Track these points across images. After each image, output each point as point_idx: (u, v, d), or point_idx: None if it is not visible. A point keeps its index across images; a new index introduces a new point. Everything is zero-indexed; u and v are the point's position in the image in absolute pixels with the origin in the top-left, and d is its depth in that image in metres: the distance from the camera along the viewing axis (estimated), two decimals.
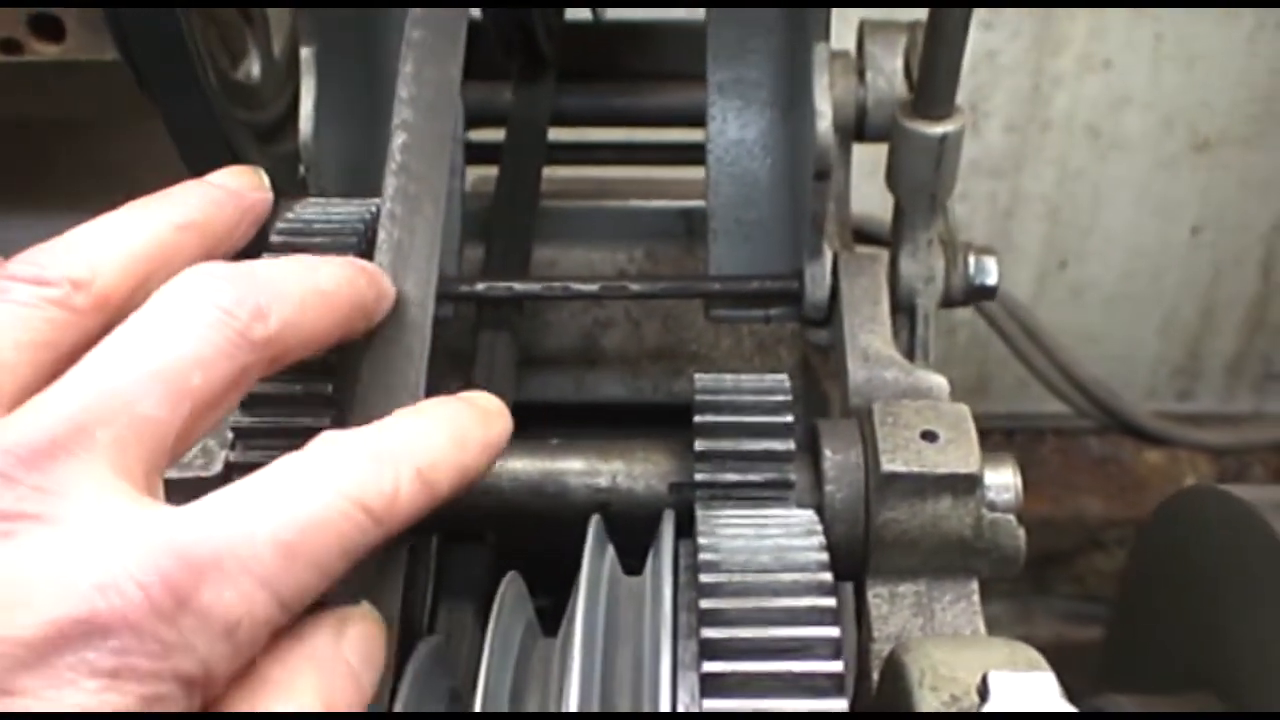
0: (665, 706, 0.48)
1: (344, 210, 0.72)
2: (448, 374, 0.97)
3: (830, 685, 0.49)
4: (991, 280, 0.95)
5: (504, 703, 0.52)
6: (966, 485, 0.73)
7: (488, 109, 1.12)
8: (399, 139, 0.69)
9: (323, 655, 0.49)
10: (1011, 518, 0.74)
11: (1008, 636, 0.61)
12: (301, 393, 0.65)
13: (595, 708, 0.50)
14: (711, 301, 0.94)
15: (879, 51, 1.14)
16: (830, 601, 0.51)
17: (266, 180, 0.64)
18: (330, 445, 0.51)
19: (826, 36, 0.86)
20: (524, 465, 0.76)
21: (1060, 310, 2.19)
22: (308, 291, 0.55)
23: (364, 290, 0.60)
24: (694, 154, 1.17)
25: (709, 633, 0.50)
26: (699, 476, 0.72)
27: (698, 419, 0.73)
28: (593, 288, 0.92)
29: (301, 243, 0.67)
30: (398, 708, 0.51)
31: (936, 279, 0.95)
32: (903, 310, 0.95)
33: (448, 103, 0.71)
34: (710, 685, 0.49)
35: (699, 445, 0.72)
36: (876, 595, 0.74)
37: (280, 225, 0.71)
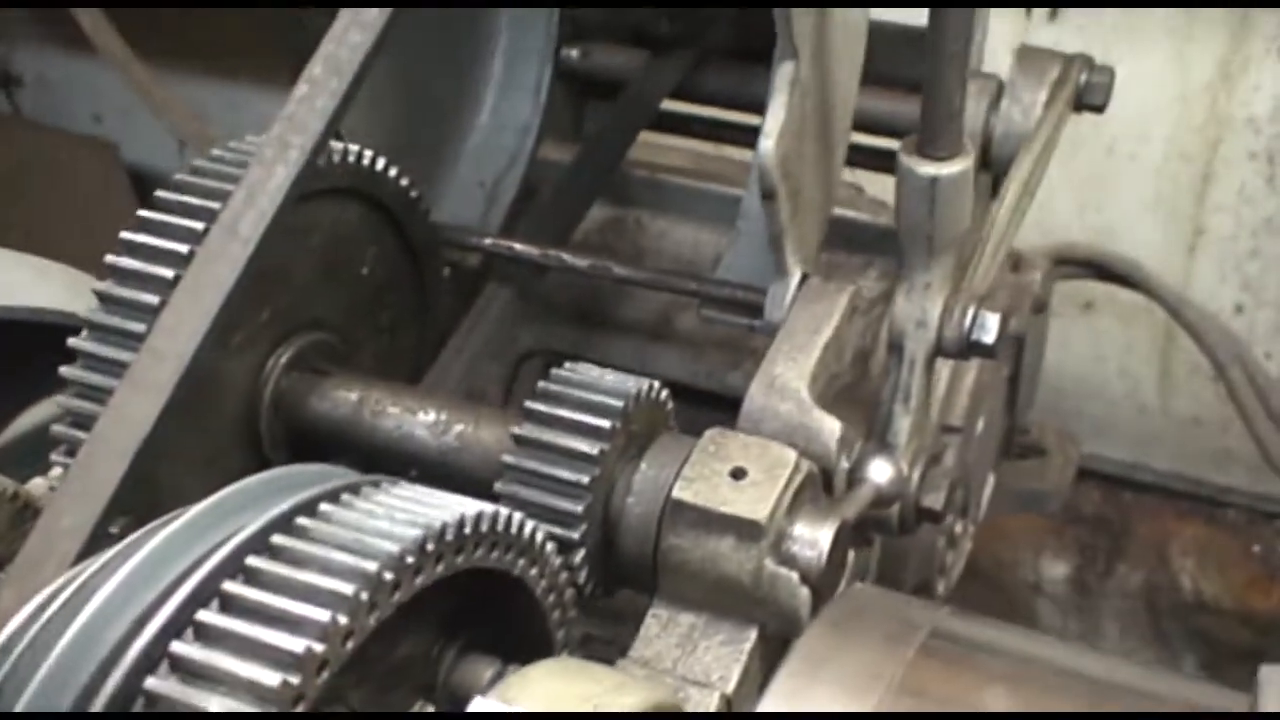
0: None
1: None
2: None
3: (291, 662, 0.51)
4: (989, 338, 0.89)
5: None
6: (750, 531, 0.71)
7: (608, 74, 1.14)
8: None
9: None
10: (795, 576, 0.72)
11: None
12: None
13: None
14: (702, 302, 0.95)
15: (1022, 80, 1.08)
16: (352, 589, 0.54)
17: None
18: None
19: (794, 55, 0.84)
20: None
21: None
22: None
23: None
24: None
25: (230, 586, 0.54)
26: (507, 460, 0.74)
27: (526, 404, 0.75)
28: (583, 264, 0.95)
29: None
30: None
31: (929, 324, 0.90)
32: (893, 349, 0.91)
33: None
34: (196, 633, 0.53)
35: (516, 430, 0.75)
36: (655, 616, 0.75)
37: None
